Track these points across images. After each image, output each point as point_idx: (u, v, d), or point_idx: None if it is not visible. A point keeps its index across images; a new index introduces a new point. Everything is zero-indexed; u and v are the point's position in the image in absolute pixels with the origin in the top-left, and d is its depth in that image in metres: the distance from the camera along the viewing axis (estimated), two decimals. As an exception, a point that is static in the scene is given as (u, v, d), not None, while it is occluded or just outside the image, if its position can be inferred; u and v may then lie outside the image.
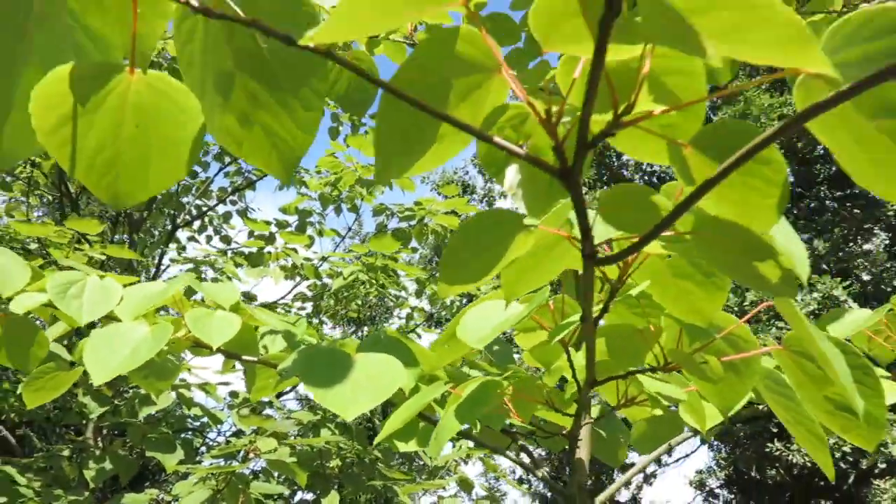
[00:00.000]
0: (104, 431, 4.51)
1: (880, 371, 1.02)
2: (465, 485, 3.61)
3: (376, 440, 0.85)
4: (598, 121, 0.38)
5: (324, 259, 4.61)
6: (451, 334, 0.71)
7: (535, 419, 1.02)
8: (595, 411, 0.99)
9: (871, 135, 0.33)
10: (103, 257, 2.93)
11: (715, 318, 0.60)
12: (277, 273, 3.88)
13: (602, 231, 0.41)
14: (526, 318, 0.62)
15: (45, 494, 2.97)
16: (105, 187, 0.46)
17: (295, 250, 4.02)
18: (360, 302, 5.38)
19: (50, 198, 7.24)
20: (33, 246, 3.94)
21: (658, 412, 0.75)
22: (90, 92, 0.42)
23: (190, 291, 2.08)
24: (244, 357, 1.14)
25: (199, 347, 1.14)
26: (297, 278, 4.33)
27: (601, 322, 0.63)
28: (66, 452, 4.16)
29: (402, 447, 0.98)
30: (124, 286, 1.09)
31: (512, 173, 0.41)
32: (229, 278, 4.03)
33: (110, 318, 1.07)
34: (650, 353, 0.63)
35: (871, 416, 0.57)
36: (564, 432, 0.83)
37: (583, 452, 1.11)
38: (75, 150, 0.45)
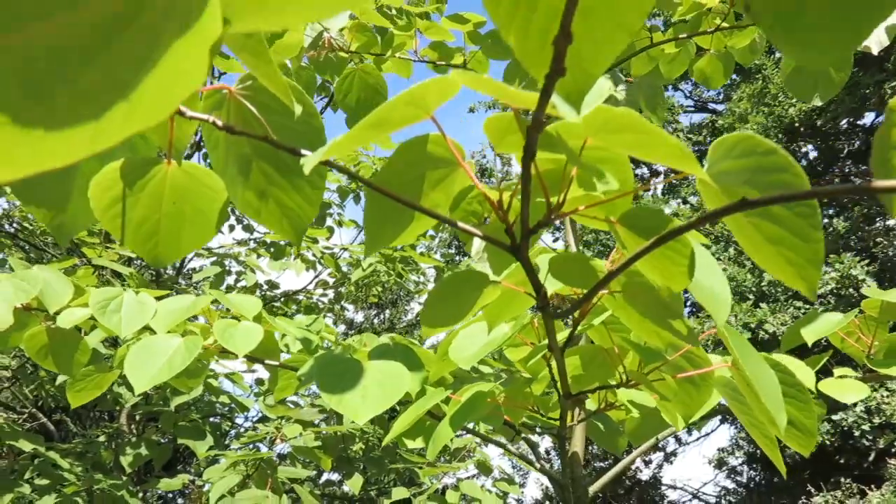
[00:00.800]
0: (137, 417, 4.69)
1: (849, 371, 1.10)
2: (484, 467, 3.73)
3: (385, 440, 0.94)
4: (555, 202, 0.47)
5: (344, 249, 4.73)
6: (444, 352, 0.81)
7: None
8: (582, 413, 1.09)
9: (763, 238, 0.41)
10: (133, 255, 3.07)
11: (674, 339, 0.68)
12: (299, 265, 4.01)
13: (552, 285, 0.50)
14: (511, 338, 0.71)
15: (85, 479, 3.15)
16: (147, 251, 0.56)
17: (315, 241, 4.13)
18: (380, 288, 5.50)
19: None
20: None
21: (635, 414, 0.84)
22: (136, 179, 0.52)
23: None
24: (267, 361, 1.25)
25: (226, 353, 1.25)
26: (319, 267, 4.46)
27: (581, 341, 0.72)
28: (102, 438, 4.37)
29: (410, 444, 1.07)
30: (157, 299, 1.20)
31: (477, 242, 0.50)
32: (252, 270, 4.16)
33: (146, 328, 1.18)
34: (620, 368, 0.72)
35: (803, 426, 0.65)
36: (554, 431, 0.92)
37: (577, 446, 1.21)
38: (124, 223, 0.55)
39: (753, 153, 0.39)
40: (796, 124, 8.45)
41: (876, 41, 1.53)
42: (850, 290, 7.18)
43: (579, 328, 0.63)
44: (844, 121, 8.78)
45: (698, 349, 0.70)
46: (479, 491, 3.41)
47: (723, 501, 11.03)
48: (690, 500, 12.44)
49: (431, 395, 0.93)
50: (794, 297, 7.56)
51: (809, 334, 1.06)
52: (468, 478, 3.71)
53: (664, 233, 0.42)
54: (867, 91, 7.88)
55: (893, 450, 7.24)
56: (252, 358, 1.25)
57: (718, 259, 8.52)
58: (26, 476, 3.26)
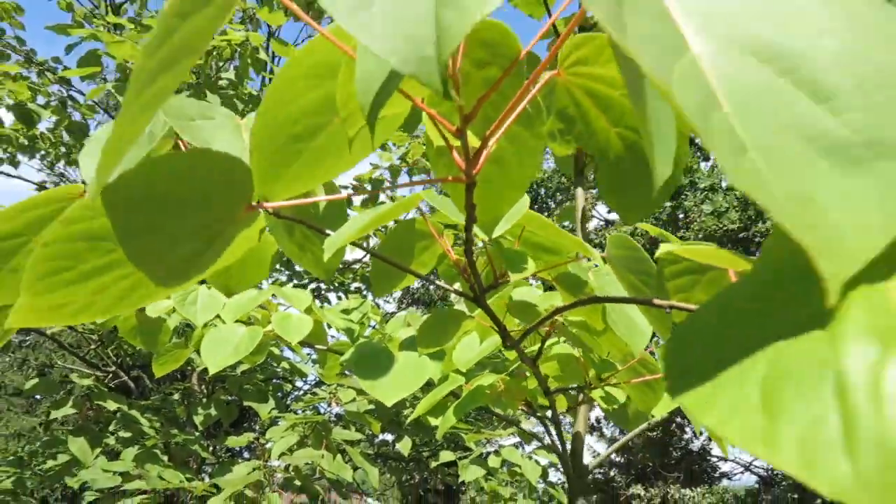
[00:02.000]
0: (206, 379, 5.08)
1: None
2: (525, 436, 3.94)
3: (410, 418, 1.15)
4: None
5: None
6: (450, 356, 1.00)
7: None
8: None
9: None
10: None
11: (635, 351, 0.85)
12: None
13: (511, 322, 0.67)
14: (496, 348, 0.89)
15: (163, 433, 3.52)
16: (220, 286, 0.77)
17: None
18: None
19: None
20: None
21: (615, 406, 1.01)
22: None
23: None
24: (317, 346, 1.47)
25: (281, 338, 1.47)
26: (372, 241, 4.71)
27: (557, 349, 0.90)
28: (176, 396, 4.78)
29: (433, 421, 1.27)
30: (226, 292, 1.43)
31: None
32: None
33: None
34: (591, 372, 0.90)
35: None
36: (549, 415, 1.10)
37: (580, 426, 1.39)
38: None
39: (627, 247, 0.56)
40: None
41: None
42: None
43: (547, 344, 0.80)
44: None
45: (649, 357, 0.87)
46: (519, 457, 3.63)
47: (775, 476, 11.00)
48: (742, 473, 12.44)
49: (448, 383, 1.12)
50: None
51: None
52: (511, 445, 3.94)
53: (578, 300, 0.59)
54: None
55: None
56: (304, 343, 1.47)
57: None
58: (111, 428, 3.65)
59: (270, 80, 5.51)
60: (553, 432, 1.12)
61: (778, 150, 0.20)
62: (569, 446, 1.36)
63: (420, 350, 0.72)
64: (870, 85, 0.21)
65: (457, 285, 0.67)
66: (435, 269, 0.71)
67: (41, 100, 4.99)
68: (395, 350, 1.21)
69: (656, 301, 0.43)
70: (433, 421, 1.26)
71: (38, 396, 11.64)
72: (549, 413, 1.37)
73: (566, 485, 1.28)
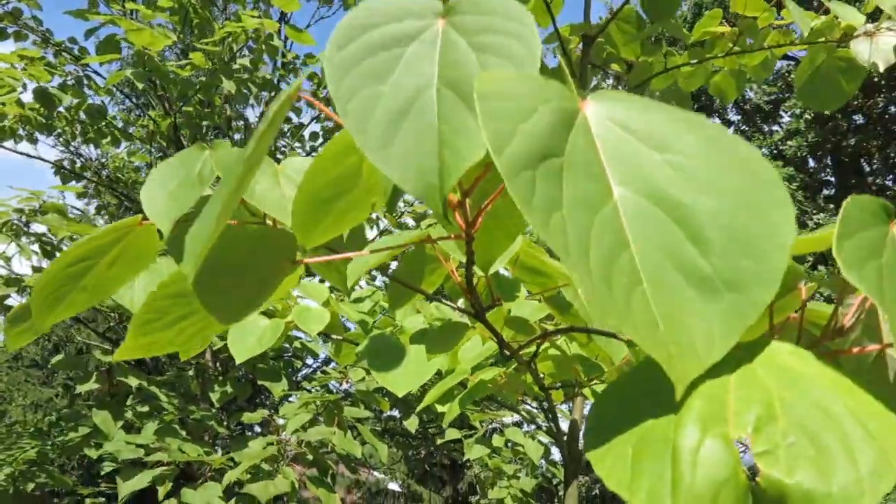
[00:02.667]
0: (220, 356, 5.23)
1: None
2: (529, 416, 4.06)
3: (419, 407, 1.26)
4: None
5: (409, 204, 5.08)
6: (455, 354, 1.10)
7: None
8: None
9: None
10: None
11: (615, 359, 0.95)
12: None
13: (507, 334, 0.78)
14: (494, 352, 1.00)
15: (181, 409, 3.67)
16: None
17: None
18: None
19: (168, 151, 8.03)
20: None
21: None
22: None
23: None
24: (333, 336, 1.59)
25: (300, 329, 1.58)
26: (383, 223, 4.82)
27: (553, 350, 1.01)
28: (190, 372, 4.94)
29: (440, 409, 1.39)
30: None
31: (459, 304, 0.79)
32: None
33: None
34: (579, 370, 1.00)
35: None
36: (546, 406, 1.22)
37: (577, 414, 1.50)
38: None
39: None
40: (875, 78, 8.11)
41: (883, 59, 1.68)
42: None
43: (542, 348, 0.91)
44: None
45: (632, 361, 0.97)
46: (522, 437, 3.77)
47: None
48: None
49: (454, 375, 1.23)
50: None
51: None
52: (513, 425, 4.08)
53: (558, 329, 0.70)
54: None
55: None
56: (322, 333, 1.59)
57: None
58: (129, 403, 3.81)
59: (283, 63, 5.58)
60: (550, 421, 1.24)
61: (663, 282, 0.30)
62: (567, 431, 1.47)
63: (429, 356, 0.83)
64: (728, 239, 0.31)
65: (460, 302, 0.77)
66: (442, 286, 0.82)
67: (57, 80, 5.09)
68: (405, 341, 1.32)
69: (619, 335, 0.53)
70: (440, 408, 1.37)
71: (55, 371, 11.92)
72: (546, 404, 1.49)
73: (562, 467, 1.39)
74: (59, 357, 3.56)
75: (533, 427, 4.04)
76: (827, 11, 1.59)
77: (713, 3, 10.26)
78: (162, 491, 3.06)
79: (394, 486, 18.17)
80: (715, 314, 0.29)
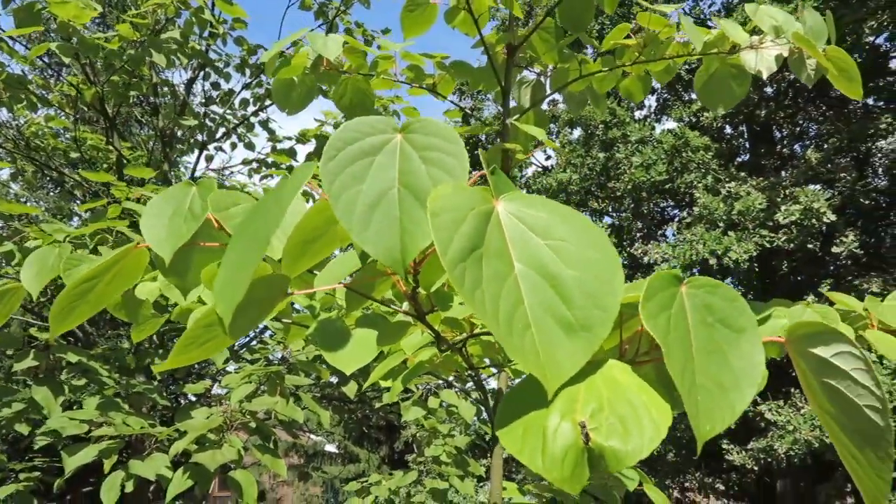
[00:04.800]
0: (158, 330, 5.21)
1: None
2: (461, 379, 4.31)
3: (365, 384, 1.45)
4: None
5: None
6: (398, 343, 1.29)
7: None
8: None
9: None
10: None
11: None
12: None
13: (441, 328, 0.96)
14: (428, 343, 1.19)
15: (122, 383, 3.73)
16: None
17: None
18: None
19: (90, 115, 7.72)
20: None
21: (520, 377, 1.34)
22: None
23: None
24: (283, 320, 1.74)
25: (254, 313, 1.74)
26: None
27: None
28: (125, 345, 4.94)
29: (385, 384, 1.58)
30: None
31: (404, 308, 0.97)
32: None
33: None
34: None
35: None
36: (476, 380, 1.42)
37: (502, 384, 1.72)
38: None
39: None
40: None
41: (766, 67, 1.93)
42: (813, 220, 7.67)
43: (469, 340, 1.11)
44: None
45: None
46: (456, 398, 4.03)
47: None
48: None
49: (396, 356, 1.42)
50: (761, 226, 8.06)
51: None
52: (446, 386, 4.33)
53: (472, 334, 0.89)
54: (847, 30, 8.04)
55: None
56: (274, 317, 1.74)
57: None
58: (62, 377, 3.83)
59: (211, 33, 5.50)
60: (479, 392, 1.44)
61: (543, 327, 0.49)
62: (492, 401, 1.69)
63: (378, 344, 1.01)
64: (584, 298, 0.50)
65: (405, 306, 0.95)
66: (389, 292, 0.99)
67: None
68: (351, 324, 1.49)
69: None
70: (384, 383, 1.56)
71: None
72: (476, 379, 1.70)
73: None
74: (-4, 335, 3.54)
75: (468, 386, 4.30)
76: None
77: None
78: (108, 464, 3.14)
79: (331, 448, 18.48)
80: (573, 346, 0.49)
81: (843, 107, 10.78)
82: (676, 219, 10.75)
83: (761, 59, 1.93)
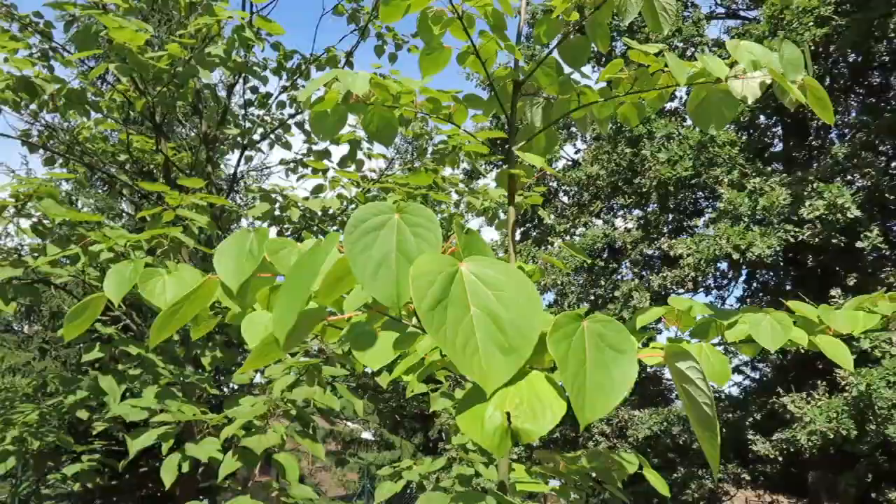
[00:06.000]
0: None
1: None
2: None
3: (388, 380, 1.72)
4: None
5: (374, 182, 5.46)
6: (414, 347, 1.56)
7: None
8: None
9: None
10: (204, 202, 3.85)
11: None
12: (334, 201, 4.75)
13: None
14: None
15: (176, 373, 4.10)
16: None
17: (353, 182, 4.86)
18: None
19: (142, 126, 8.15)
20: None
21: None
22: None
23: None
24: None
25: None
26: (353, 204, 5.21)
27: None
28: (176, 337, 5.34)
29: (406, 378, 1.85)
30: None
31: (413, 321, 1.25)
32: (295, 204, 4.93)
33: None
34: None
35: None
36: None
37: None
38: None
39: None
40: (811, 47, 8.64)
41: (751, 94, 2.14)
42: (838, 215, 7.70)
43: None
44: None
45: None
46: (480, 389, 4.29)
47: (720, 399, 12.07)
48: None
49: (414, 356, 1.69)
50: (785, 221, 8.11)
51: (640, 322, 1.78)
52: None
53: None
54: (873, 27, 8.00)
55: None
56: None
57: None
58: (120, 367, 4.21)
59: (248, 46, 5.83)
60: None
61: (488, 350, 0.76)
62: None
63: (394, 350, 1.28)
64: (514, 330, 0.77)
65: (414, 320, 1.23)
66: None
67: (23, 52, 5.28)
68: (378, 329, 1.77)
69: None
70: (406, 378, 1.84)
71: (30, 335, 12.16)
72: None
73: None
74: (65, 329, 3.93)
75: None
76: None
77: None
78: (165, 447, 3.51)
79: (367, 436, 18.98)
80: (507, 362, 0.75)
81: (881, 95, 10.68)
82: (706, 213, 10.79)
83: (747, 87, 2.14)
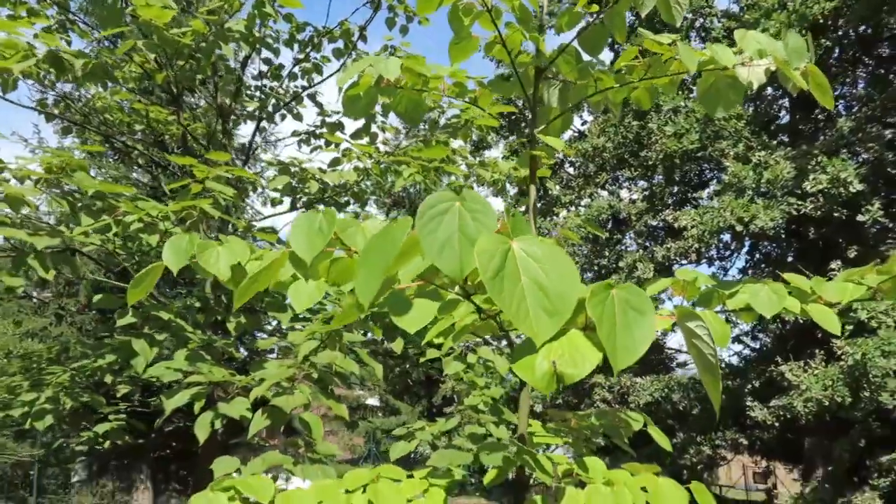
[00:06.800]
0: (223, 289, 5.83)
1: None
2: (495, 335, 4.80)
3: (424, 341, 1.92)
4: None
5: (388, 154, 5.61)
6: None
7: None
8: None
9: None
10: (230, 175, 4.02)
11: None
12: (351, 174, 4.92)
13: (480, 300, 1.42)
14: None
15: (204, 338, 4.32)
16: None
17: (367, 154, 5.02)
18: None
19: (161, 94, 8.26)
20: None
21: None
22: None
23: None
24: (357, 290, 2.23)
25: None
26: (368, 177, 5.37)
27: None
28: (197, 304, 5.55)
29: (438, 341, 2.05)
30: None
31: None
32: (313, 177, 5.09)
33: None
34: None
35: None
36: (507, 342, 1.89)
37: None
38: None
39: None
40: (820, 20, 8.68)
41: (756, 79, 2.30)
42: (840, 189, 7.84)
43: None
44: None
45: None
46: (491, 354, 4.53)
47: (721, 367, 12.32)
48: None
49: (446, 319, 1.89)
50: (789, 194, 8.26)
51: (649, 291, 1.96)
52: (484, 344, 4.83)
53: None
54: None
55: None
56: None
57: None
58: (148, 330, 4.42)
59: (262, 28, 5.93)
60: (510, 350, 1.90)
61: (537, 311, 0.95)
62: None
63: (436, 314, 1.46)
64: (557, 296, 0.96)
65: (456, 289, 1.41)
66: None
67: (39, 26, 5.40)
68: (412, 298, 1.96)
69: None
70: (437, 341, 2.03)
71: (47, 301, 12.41)
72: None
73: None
74: (100, 296, 4.15)
75: (502, 344, 4.80)
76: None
77: None
78: (197, 406, 3.73)
79: (372, 402, 19.41)
80: (551, 321, 0.94)
81: (891, 66, 10.70)
82: (711, 186, 10.92)
83: (752, 73, 2.29)
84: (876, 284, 1.81)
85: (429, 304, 1.84)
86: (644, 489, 1.72)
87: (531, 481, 2.15)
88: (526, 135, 2.26)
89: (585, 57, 2.28)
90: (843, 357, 7.87)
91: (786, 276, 1.89)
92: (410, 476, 2.04)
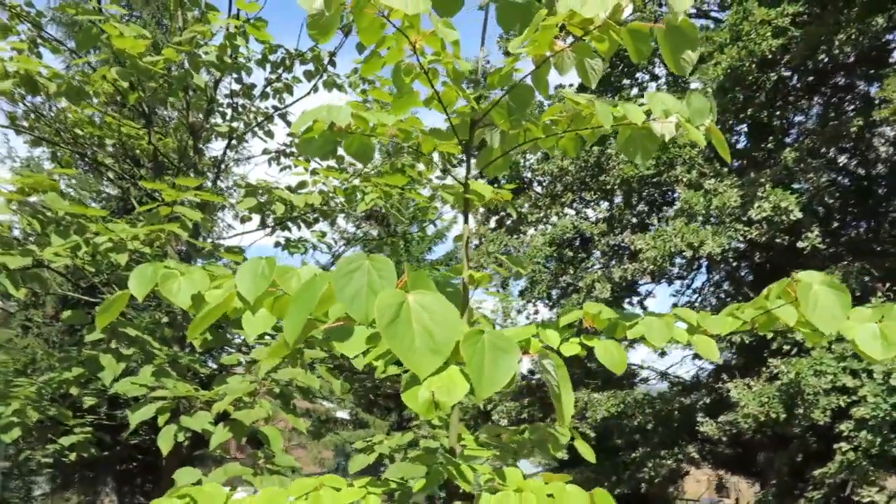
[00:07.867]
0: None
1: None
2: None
3: (363, 364, 2.17)
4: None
5: (352, 176, 5.86)
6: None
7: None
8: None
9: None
10: (197, 199, 4.24)
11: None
12: (316, 197, 5.16)
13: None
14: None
15: (170, 353, 4.50)
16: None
17: (333, 176, 5.25)
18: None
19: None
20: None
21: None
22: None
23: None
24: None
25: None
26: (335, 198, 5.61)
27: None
28: (164, 319, 5.73)
29: (375, 363, 2.30)
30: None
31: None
32: (280, 199, 5.31)
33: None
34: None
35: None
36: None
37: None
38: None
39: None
40: (769, 56, 9.18)
41: (668, 132, 2.60)
42: (782, 217, 8.28)
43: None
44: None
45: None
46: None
47: (683, 382, 12.72)
48: (657, 379, 14.22)
49: (381, 346, 2.14)
50: (736, 221, 8.68)
51: (563, 321, 2.24)
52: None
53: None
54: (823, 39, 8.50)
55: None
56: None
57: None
58: (115, 345, 4.59)
59: (233, 54, 6.16)
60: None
61: (422, 351, 1.21)
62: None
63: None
64: (441, 337, 1.22)
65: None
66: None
67: (13, 38, 5.57)
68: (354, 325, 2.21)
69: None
70: (375, 363, 2.28)
71: (12, 312, 12.38)
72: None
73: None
74: (69, 312, 4.32)
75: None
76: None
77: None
78: (162, 419, 3.92)
79: (342, 415, 19.48)
80: (434, 360, 1.21)
81: (844, 96, 11.27)
82: (672, 209, 11.36)
83: (665, 128, 2.60)
84: (750, 318, 2.11)
85: (361, 332, 2.08)
86: (550, 495, 1.99)
87: (460, 490, 2.39)
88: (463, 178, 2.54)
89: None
90: (779, 376, 8.28)
91: (676, 310, 2.18)
92: (351, 485, 2.27)
